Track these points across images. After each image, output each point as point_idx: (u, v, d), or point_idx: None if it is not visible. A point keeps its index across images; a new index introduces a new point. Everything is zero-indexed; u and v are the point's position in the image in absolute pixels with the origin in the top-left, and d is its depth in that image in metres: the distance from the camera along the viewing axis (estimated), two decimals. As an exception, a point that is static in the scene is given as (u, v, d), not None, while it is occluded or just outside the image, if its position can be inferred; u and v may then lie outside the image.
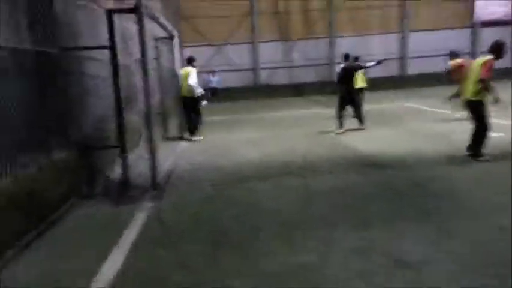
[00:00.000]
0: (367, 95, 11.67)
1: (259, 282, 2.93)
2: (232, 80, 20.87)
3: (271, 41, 21.34)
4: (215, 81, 19.77)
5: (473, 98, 6.00)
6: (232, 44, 21.17)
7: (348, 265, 3.08)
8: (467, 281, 2.77)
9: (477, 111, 6.00)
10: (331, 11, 21.38)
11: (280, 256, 3.30)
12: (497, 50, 5.95)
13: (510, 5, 21.16)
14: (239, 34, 21.21)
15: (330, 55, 21.35)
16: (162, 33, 8.87)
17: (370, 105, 11.37)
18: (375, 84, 19.88)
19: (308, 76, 21.36)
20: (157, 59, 8.84)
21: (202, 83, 13.27)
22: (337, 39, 21.50)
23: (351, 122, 9.29)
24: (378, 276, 2.89)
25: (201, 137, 9.29)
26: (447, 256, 3.13)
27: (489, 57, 5.93)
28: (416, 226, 3.75)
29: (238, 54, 21.27)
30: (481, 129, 5.97)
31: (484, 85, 5.83)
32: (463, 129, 7.07)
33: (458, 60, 10.25)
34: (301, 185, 5.33)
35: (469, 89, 6.06)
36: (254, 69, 21.58)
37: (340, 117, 9.04)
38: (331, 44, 21.58)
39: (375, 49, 21.43)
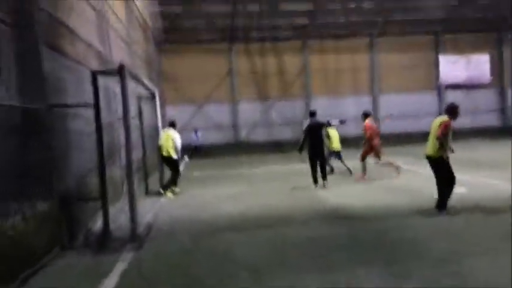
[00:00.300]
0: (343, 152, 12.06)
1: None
2: (213, 137, 21.40)
3: (250, 100, 22.30)
4: (199, 138, 20.23)
5: (434, 155, 6.50)
6: (212, 102, 22.00)
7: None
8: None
9: (438, 166, 6.49)
10: (307, 75, 22.68)
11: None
12: (452, 111, 6.59)
13: (471, 71, 23.00)
14: (219, 93, 22.12)
15: (305, 114, 22.34)
16: (144, 92, 9.37)
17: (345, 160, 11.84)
18: (350, 142, 20.89)
19: (285, 134, 22.12)
20: (139, 116, 9.25)
21: (186, 140, 13.70)
22: (312, 100, 22.62)
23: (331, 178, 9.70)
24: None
25: (174, 194, 9.37)
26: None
27: (445, 117, 6.54)
28: (378, 272, 4.05)
29: (219, 113, 22.03)
30: (444, 184, 6.41)
31: (440, 143, 6.37)
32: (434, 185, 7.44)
33: (367, 121, 10.25)
34: (274, 236, 5.59)
35: (430, 147, 6.57)
36: (234, 127, 22.27)
37: (315, 173, 9.37)
38: (307, 105, 22.65)
39: (348, 109, 22.63)
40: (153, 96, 9.81)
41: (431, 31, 22.95)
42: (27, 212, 4.49)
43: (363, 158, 10.35)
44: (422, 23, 22.33)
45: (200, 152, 19.08)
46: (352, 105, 22.70)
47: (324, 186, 9.22)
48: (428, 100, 23.24)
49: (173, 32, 20.80)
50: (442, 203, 6.39)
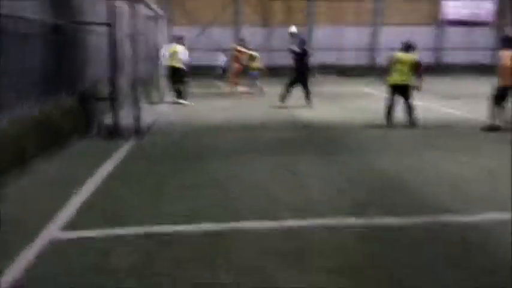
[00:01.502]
0: (338, 79, 13.53)
1: (207, 179, 4.83)
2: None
3: (254, 25, 23.01)
4: (225, 60, 20.87)
5: (407, 82, 7.98)
6: (217, 26, 22.79)
7: (262, 171, 5.01)
8: (326, 184, 4.73)
9: (407, 92, 8.01)
10: (311, 2, 23.08)
11: (220, 165, 5.22)
12: (409, 48, 7.96)
13: (473, 7, 23.17)
14: (224, 17, 22.80)
15: (309, 42, 23.14)
16: (151, 13, 10.57)
17: (335, 87, 13.29)
18: (348, 71, 21.97)
19: (285, 60, 23.04)
20: (144, 35, 10.54)
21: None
22: (315, 28, 23.26)
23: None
24: (277, 178, 4.83)
25: (190, 103, 11.05)
26: (323, 173, 5.08)
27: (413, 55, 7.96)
28: (314, 157, 5.71)
29: (222, 37, 22.87)
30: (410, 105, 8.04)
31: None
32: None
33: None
34: (251, 135, 7.33)
35: (403, 75, 7.97)
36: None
37: (287, 91, 10.75)
38: (309, 33, 23.33)
39: (349, 40, 23.36)
40: (159, 17, 11.03)
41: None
42: (55, 105, 6.09)
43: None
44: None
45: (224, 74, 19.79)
46: (353, 36, 23.38)
47: (306, 104, 10.63)
48: (428, 35, 23.73)
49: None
50: (413, 120, 7.99)
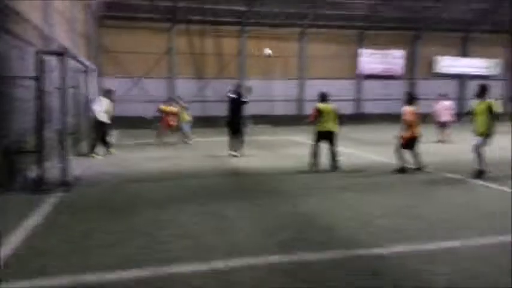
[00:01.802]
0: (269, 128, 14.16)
1: (137, 228, 4.90)
2: (148, 111, 22.45)
3: (188, 78, 23.68)
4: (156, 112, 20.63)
5: (335, 130, 8.81)
6: (151, 78, 23.12)
7: (191, 218, 5.18)
8: (253, 226, 5.01)
9: (334, 139, 8.84)
10: (242, 58, 24.38)
11: (148, 214, 5.31)
12: (326, 97, 8.78)
13: (386, 63, 25.92)
14: (158, 70, 23.27)
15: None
16: (81, 66, 10.63)
17: (266, 136, 13.90)
18: (275, 121, 23.08)
19: (219, 110, 23.75)
20: (74, 87, 10.52)
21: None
22: (246, 81, 24.44)
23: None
24: (206, 223, 5.03)
25: (114, 152, 10.96)
26: (250, 216, 5.38)
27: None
28: (242, 202, 6.01)
29: (157, 88, 23.18)
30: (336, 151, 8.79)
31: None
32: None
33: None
34: (181, 184, 7.49)
35: (333, 124, 8.85)
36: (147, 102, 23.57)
37: (233, 142, 11.10)
38: (241, 84, 24.46)
39: (278, 91, 24.80)
40: (89, 70, 11.10)
41: (355, 26, 25.44)
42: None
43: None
44: (348, 18, 24.71)
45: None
46: (281, 88, 24.91)
47: (236, 154, 10.94)
48: (349, 87, 25.94)
49: (116, 8, 21.50)
50: (335, 164, 8.75)
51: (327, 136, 8.81)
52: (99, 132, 11.02)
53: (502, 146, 10.23)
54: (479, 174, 7.76)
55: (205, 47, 24.15)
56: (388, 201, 6.19)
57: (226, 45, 24.34)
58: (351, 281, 3.48)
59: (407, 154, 8.54)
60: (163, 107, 15.02)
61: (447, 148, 12.78)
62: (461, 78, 27.40)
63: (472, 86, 26.96)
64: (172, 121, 14.56)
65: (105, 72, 21.13)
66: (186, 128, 14.82)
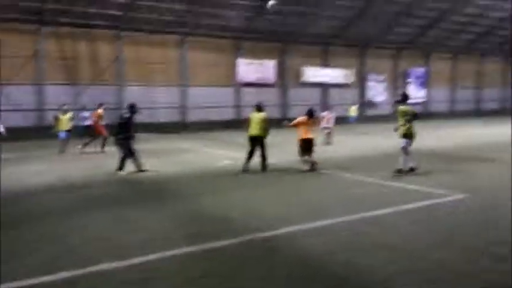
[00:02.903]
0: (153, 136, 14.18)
1: (44, 237, 4.93)
2: (16, 120, 20.46)
3: (59, 84, 22.21)
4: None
5: (262, 135, 9.64)
6: (16, 84, 21.10)
7: (98, 224, 5.40)
8: (161, 225, 5.46)
9: (262, 143, 9.70)
10: (120, 64, 23.80)
11: (55, 226, 5.37)
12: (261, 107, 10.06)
13: (260, 72, 28.01)
14: (24, 75, 21.34)
15: (118, 101, 23.41)
16: None
17: (154, 145, 13.98)
18: (161, 128, 23.06)
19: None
20: None
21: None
22: (125, 88, 23.94)
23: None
24: (115, 226, 5.31)
25: None
26: (159, 217, 5.80)
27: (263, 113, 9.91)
28: (149, 205, 6.38)
29: (24, 95, 21.28)
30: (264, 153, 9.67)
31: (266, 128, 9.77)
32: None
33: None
34: (80, 194, 7.50)
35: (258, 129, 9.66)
36: (40, 111, 21.88)
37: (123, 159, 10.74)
38: (120, 91, 23.85)
39: (160, 98, 24.83)
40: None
41: (233, 37, 26.92)
42: None
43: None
44: (226, 29, 26.04)
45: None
46: (163, 95, 25.02)
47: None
48: (228, 94, 27.29)
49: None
50: (265, 165, 9.71)
51: (255, 140, 9.69)
52: None
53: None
54: (411, 170, 8.73)
55: (79, 52, 22.97)
56: (281, 194, 7.21)
57: (102, 50, 23.52)
58: (251, 258, 4.26)
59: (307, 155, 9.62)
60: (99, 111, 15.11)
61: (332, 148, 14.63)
62: (323, 86, 30.94)
63: (333, 94, 30.92)
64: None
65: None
66: (64, 136, 14.18)
